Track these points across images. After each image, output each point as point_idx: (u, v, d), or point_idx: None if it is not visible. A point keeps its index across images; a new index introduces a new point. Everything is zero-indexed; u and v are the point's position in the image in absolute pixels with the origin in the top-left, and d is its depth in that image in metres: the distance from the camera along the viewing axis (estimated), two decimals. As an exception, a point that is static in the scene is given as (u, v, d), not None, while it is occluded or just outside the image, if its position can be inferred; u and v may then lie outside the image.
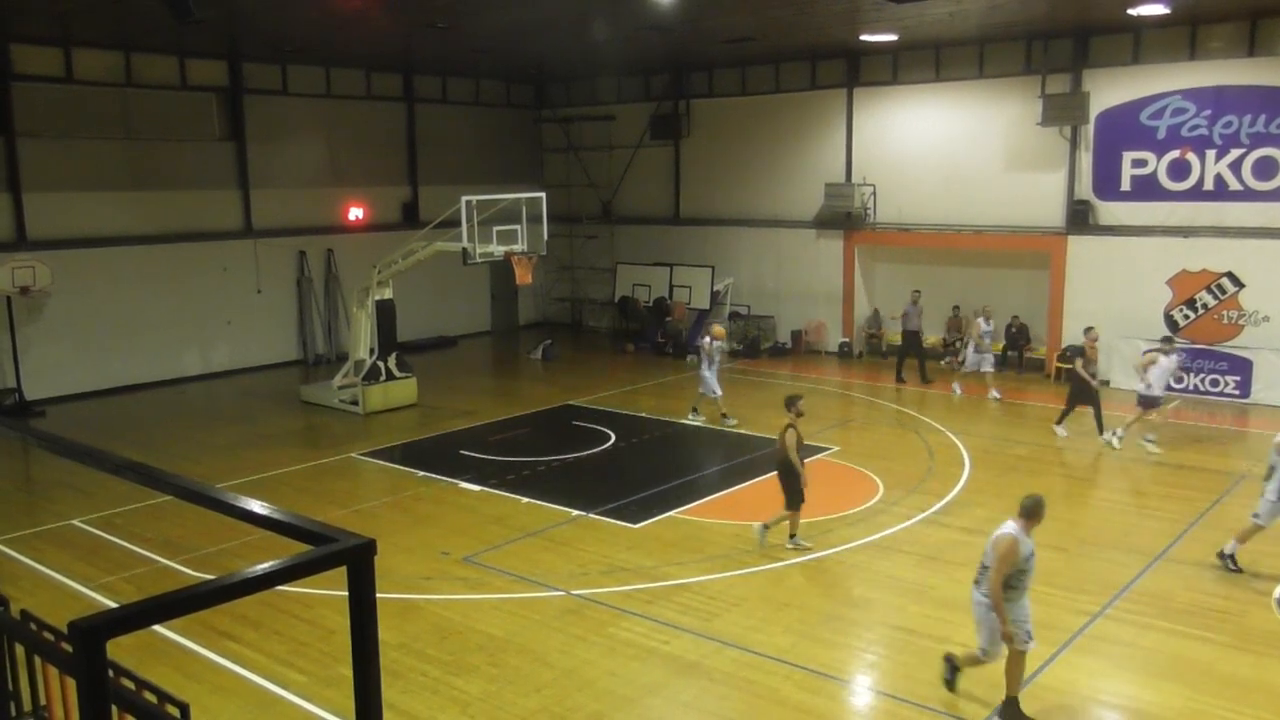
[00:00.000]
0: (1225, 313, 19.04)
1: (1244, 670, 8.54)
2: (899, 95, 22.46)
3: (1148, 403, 15.21)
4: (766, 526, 11.40)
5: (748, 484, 13.86)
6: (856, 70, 22.84)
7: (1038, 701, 8.00)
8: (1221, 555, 10.72)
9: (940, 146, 21.97)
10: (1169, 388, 16.21)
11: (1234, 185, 18.65)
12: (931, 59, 21.70)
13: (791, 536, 11.39)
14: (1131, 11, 17.05)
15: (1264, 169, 18.33)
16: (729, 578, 10.56)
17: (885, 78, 22.51)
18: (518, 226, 17.87)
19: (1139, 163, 19.61)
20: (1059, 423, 16.22)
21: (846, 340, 23.78)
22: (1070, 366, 17.04)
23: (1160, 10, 16.94)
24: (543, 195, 18.60)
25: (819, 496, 13.18)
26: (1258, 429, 16.24)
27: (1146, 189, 19.58)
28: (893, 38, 20.04)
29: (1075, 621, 9.44)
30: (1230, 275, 18.88)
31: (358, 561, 2.67)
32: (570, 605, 9.91)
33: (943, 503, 12.96)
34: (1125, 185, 19.83)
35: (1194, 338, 19.15)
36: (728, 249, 25.19)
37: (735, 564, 10.89)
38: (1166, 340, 16.23)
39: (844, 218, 23.16)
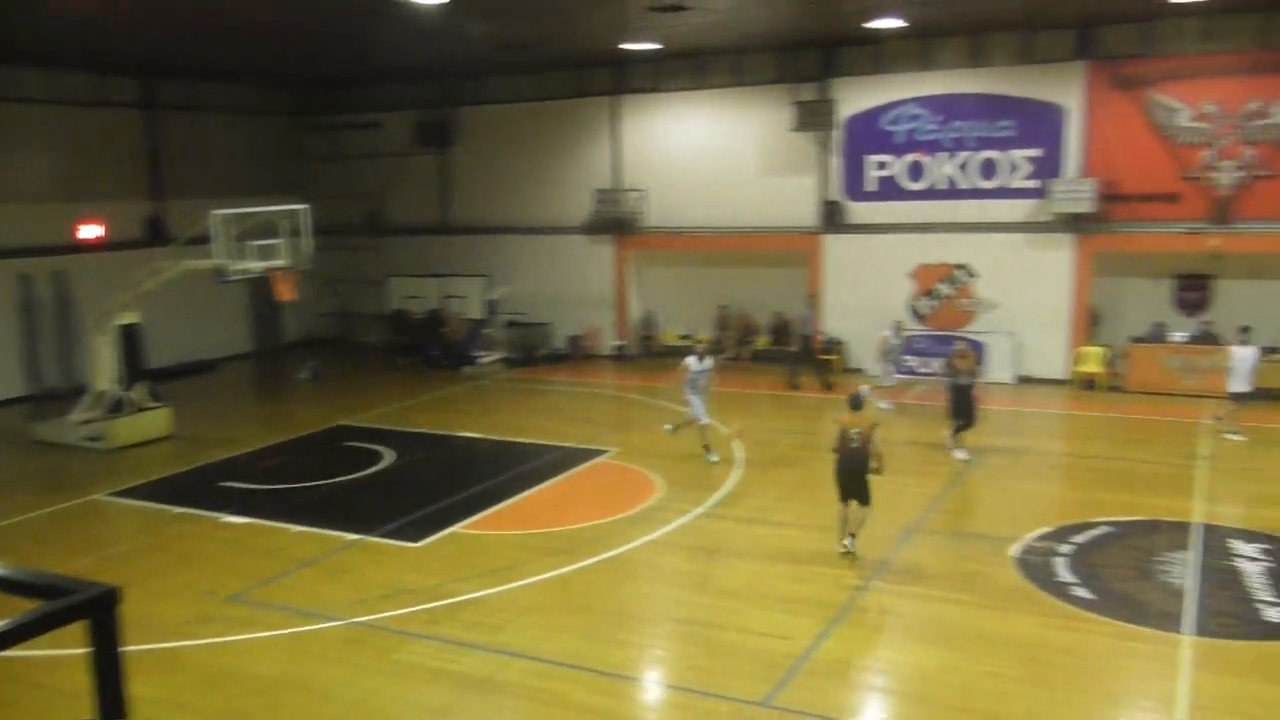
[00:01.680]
0: (961, 301, 20.79)
1: (989, 625, 9.31)
2: (663, 102, 23.09)
3: (1239, 398, 15.79)
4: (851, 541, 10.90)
5: (530, 492, 13.81)
6: (622, 78, 23.28)
7: (812, 678, 8.39)
8: None
9: (704, 151, 22.76)
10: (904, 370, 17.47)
11: (964, 184, 20.39)
12: (692, 67, 22.43)
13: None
14: (870, 25, 18.27)
15: (989, 170, 20.14)
16: (516, 589, 10.46)
17: (649, 85, 23.07)
18: (279, 240, 17.01)
19: (881, 165, 21.07)
20: (953, 444, 15.00)
21: (621, 343, 24.19)
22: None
23: (897, 24, 18.26)
24: (305, 207, 17.80)
25: (599, 499, 13.36)
26: (995, 407, 17.71)
27: (889, 189, 21.06)
28: (655, 46, 20.56)
29: (842, 596, 9.98)
30: (963, 266, 20.63)
31: (98, 613, 2.42)
32: (352, 634, 9.51)
33: (719, 495, 13.40)
34: (871, 186, 21.24)
35: (936, 325, 20.80)
36: (502, 257, 25.05)
37: (521, 574, 10.80)
38: (1243, 330, 16.19)
39: (615, 223, 23.55)
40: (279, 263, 16.86)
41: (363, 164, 26.36)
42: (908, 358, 20.29)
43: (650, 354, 24.20)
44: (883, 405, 17.72)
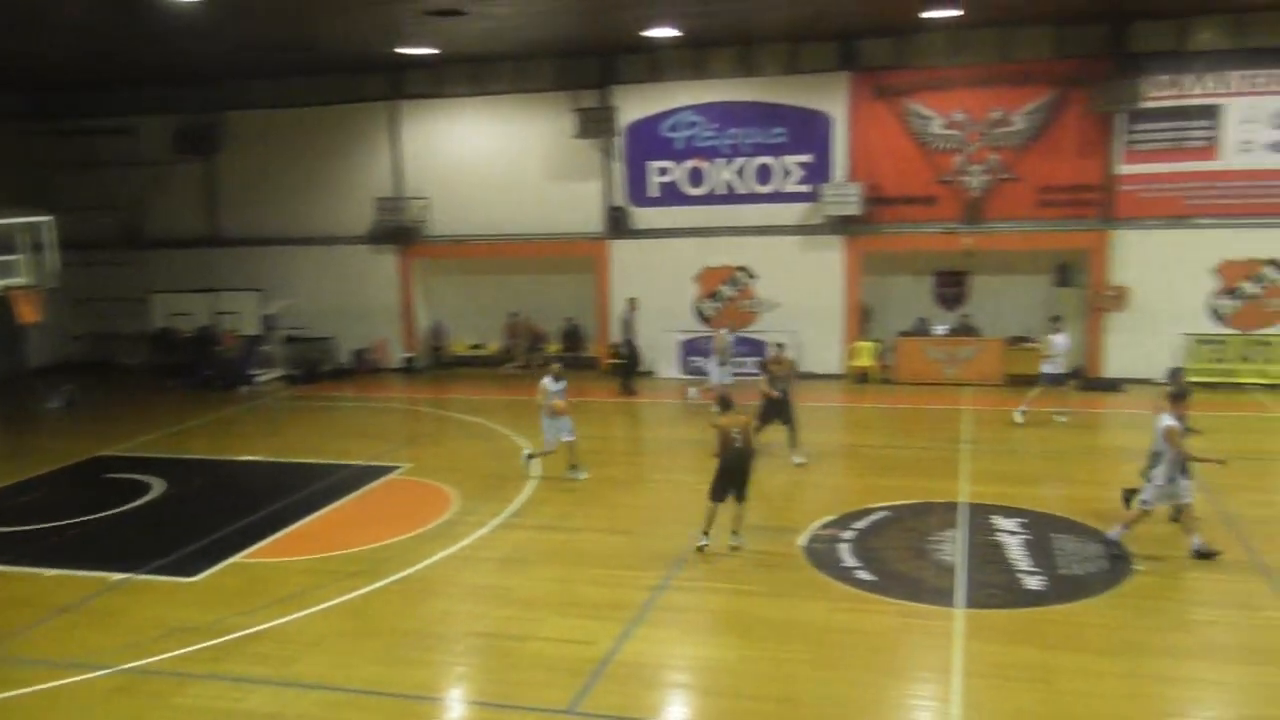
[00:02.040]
0: (744, 302, 21.55)
1: (782, 614, 9.64)
2: (444, 108, 22.66)
3: (1055, 380, 16.85)
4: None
5: (318, 514, 13.18)
6: (400, 83, 22.67)
7: (615, 681, 8.40)
8: (1200, 553, 10.56)
9: (488, 158, 22.51)
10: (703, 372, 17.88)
11: (741, 189, 21.14)
12: (473, 73, 22.12)
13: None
14: (646, 34, 18.64)
15: (764, 175, 20.98)
16: (307, 616, 9.93)
17: (429, 90, 22.58)
18: (18, 257, 15.47)
19: (663, 171, 21.53)
20: (794, 452, 14.77)
21: (410, 355, 23.57)
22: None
23: (672, 33, 18.70)
24: (48, 220, 16.28)
25: (393, 517, 12.92)
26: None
27: (671, 195, 21.55)
28: (434, 51, 20.15)
29: (641, 597, 10.07)
30: (744, 269, 21.41)
31: None
32: (121, 683, 8.72)
33: (515, 505, 13.25)
34: (654, 192, 21.67)
35: (719, 325, 21.36)
36: (279, 270, 23.83)
37: (312, 601, 10.27)
38: (1055, 320, 17.42)
39: (398, 232, 22.92)
40: (18, 281, 15.35)
41: (116, 173, 24.43)
42: (697, 359, 20.83)
43: (441, 365, 23.70)
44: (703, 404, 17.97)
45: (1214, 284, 19.14)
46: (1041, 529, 11.62)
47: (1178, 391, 10.87)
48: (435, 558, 11.41)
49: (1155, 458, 10.66)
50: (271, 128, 23.69)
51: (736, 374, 18.87)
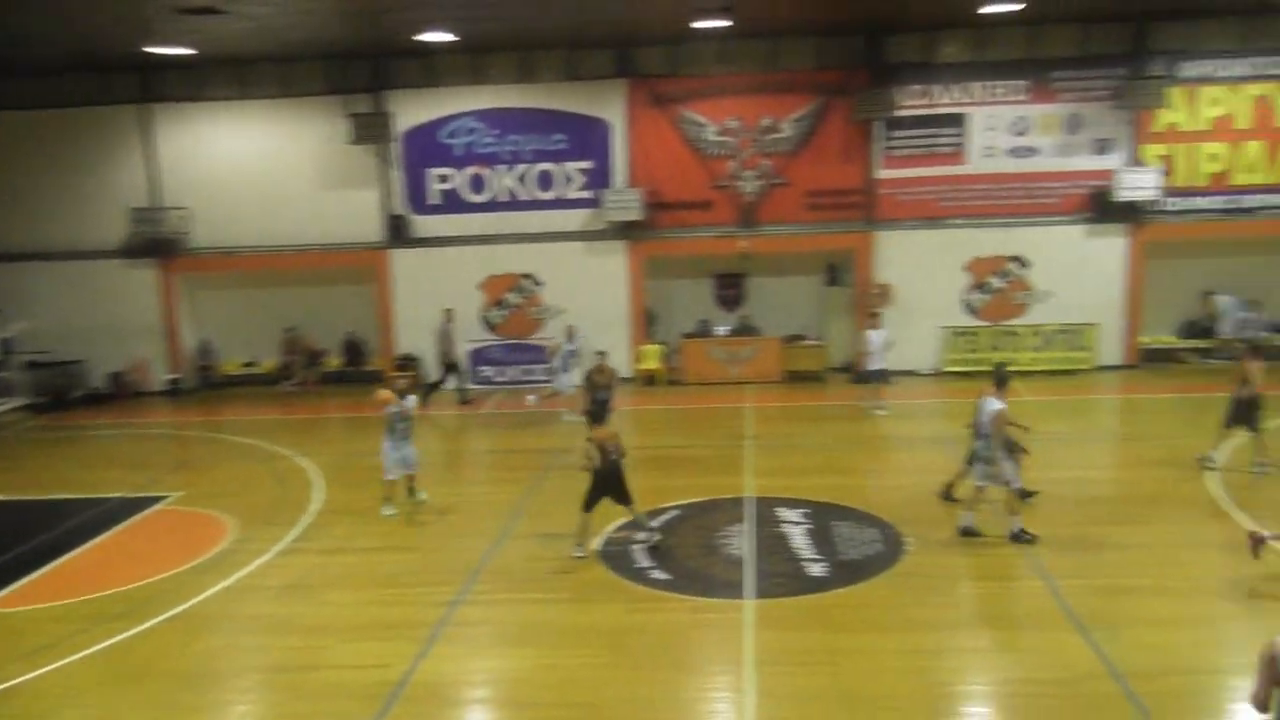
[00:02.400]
0: (531, 309, 21.49)
1: (580, 619, 9.62)
2: (205, 112, 21.25)
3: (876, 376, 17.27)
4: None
5: (72, 555, 12.02)
6: (153, 85, 21.10)
7: (413, 703, 8.11)
8: (966, 531, 11.27)
9: (255, 166, 21.33)
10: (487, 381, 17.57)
11: (524, 196, 21.05)
12: (236, 76, 20.89)
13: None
14: (419, 38, 18.21)
15: (545, 181, 20.97)
16: (62, 668, 9.01)
17: (187, 93, 21.15)
18: None
19: (444, 178, 21.12)
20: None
21: (176, 376, 22.00)
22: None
23: (447, 38, 18.36)
24: None
25: (162, 550, 11.98)
26: (567, 409, 18.43)
27: (453, 202, 21.17)
28: (190, 51, 18.87)
29: (436, 614, 9.78)
30: (529, 276, 21.33)
31: None
32: None
33: (299, 529, 12.58)
34: (434, 199, 21.22)
35: (508, 334, 21.38)
36: (16, 288, 21.57)
37: (68, 650, 9.32)
38: (871, 316, 18.23)
39: (157, 244, 21.35)
40: None
41: None
42: (485, 368, 20.56)
43: (210, 385, 22.28)
44: (567, 416, 17.63)
45: (966, 280, 20.75)
46: (823, 518, 12.16)
47: (1001, 377, 11.36)
48: (211, 591, 10.65)
49: (983, 443, 11.18)
50: (3, 131, 21.50)
51: (524, 382, 18.74)
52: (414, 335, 21.27)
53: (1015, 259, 20.61)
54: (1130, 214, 20.03)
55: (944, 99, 20.16)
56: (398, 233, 21.25)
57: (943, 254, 20.62)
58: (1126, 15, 19.28)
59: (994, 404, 11.10)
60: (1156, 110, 19.59)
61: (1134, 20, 19.40)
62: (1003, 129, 20.17)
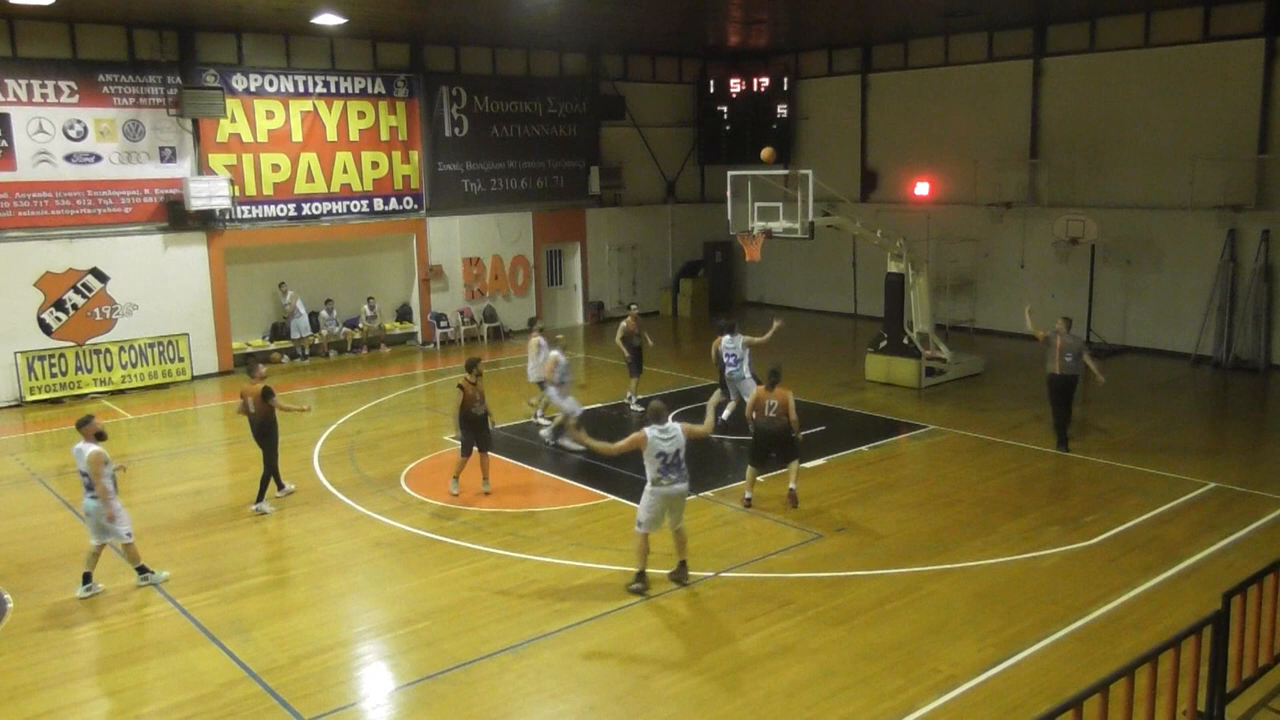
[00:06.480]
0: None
1: None
2: None
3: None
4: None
5: None
6: None
7: None
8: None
9: None
10: None
11: None
12: None
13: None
14: None
15: None
16: None
17: None
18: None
19: None
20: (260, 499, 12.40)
21: None
22: None
23: None
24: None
25: None
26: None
27: None
28: None
29: None
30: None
31: None
32: None
33: None
34: None
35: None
36: None
37: None
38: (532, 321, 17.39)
39: None
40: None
41: None
42: None
43: None
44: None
45: (40, 298, 18.66)
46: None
47: (97, 432, 10.02)
48: None
49: (93, 500, 9.85)
50: None
51: None
52: None
53: (93, 272, 19.25)
54: (206, 222, 20.26)
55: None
56: None
57: (8, 271, 18.25)
58: (169, 24, 19.27)
59: (87, 448, 9.86)
60: (218, 120, 20.09)
61: (177, 29, 19.50)
62: (57, 133, 18.59)
